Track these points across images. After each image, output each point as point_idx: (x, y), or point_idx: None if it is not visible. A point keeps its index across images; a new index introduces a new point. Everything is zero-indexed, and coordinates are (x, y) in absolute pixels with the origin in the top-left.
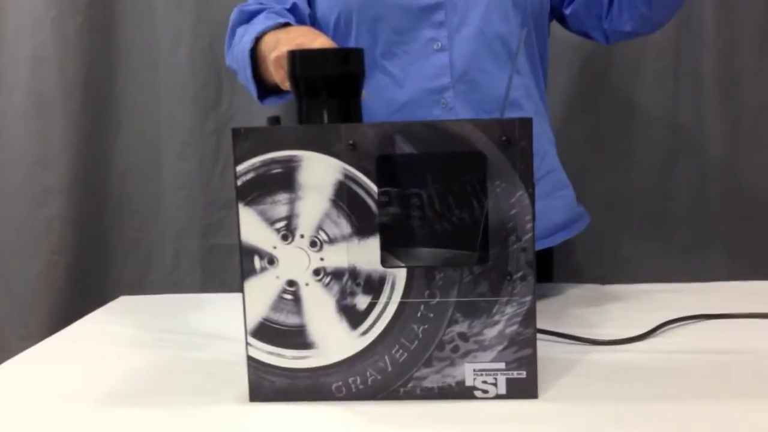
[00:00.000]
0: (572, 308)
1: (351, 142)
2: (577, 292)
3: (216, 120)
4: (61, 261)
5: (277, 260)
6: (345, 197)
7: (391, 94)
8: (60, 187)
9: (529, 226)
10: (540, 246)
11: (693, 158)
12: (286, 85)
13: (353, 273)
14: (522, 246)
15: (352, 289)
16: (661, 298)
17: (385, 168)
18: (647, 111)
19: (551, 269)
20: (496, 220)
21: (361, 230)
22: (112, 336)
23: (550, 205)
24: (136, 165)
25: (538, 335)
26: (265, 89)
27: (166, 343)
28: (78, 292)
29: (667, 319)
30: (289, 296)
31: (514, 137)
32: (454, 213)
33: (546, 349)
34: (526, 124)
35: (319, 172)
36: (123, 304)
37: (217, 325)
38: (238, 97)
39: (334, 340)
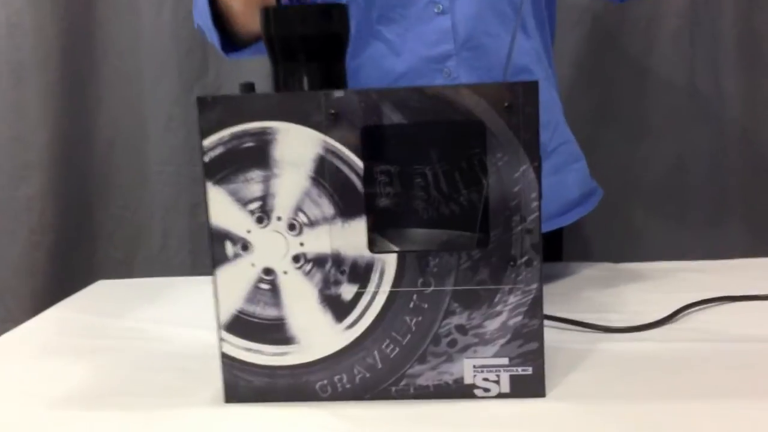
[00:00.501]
0: (583, 290)
1: (332, 111)
2: (588, 271)
3: (203, 90)
4: (42, 241)
5: (252, 246)
6: (326, 174)
7: (388, 63)
8: (39, 164)
9: (534, 204)
10: (552, 226)
11: (710, 124)
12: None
13: (337, 259)
14: (527, 227)
15: (336, 278)
16: (680, 278)
17: (372, 141)
18: (661, 74)
19: (560, 247)
20: (497, 198)
21: (345, 211)
22: (82, 326)
23: (563, 180)
24: (119, 139)
25: (546, 322)
26: (234, 41)
27: (139, 334)
28: (62, 274)
29: (687, 302)
30: (265, 286)
31: (518, 103)
32: (460, 192)
33: (554, 338)
34: (531, 88)
35: (297, 146)
36: (100, 289)
37: (198, 313)
38: (225, 66)
39: (316, 335)
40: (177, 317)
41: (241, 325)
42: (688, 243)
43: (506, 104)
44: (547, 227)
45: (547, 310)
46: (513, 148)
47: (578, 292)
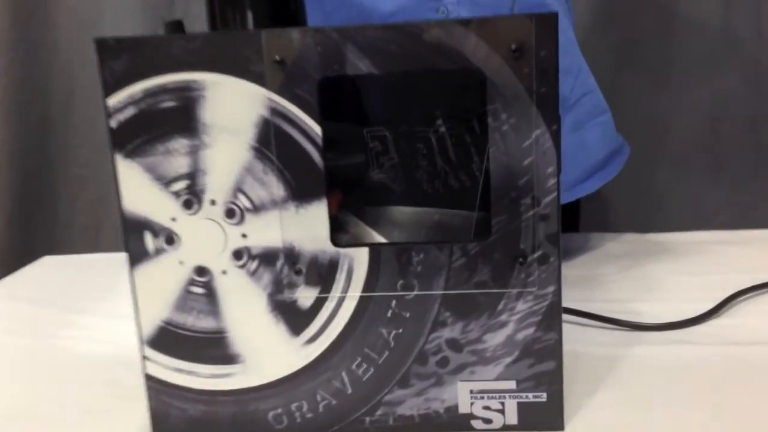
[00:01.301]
0: (604, 269)
1: (278, 57)
2: (609, 245)
3: None
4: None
5: (179, 238)
6: (273, 143)
7: (370, 2)
8: None
9: (552, 182)
10: (570, 197)
11: (746, 70)
12: None
13: (291, 255)
14: (541, 212)
15: (290, 279)
16: (721, 253)
17: (333, 98)
18: (691, 13)
19: (577, 216)
20: (501, 174)
21: (299, 192)
22: (6, 317)
23: (585, 138)
24: (79, 91)
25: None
26: None
27: (70, 330)
28: (23, 241)
29: (735, 288)
30: (199, 289)
31: (530, 44)
32: (473, 160)
33: (572, 337)
34: (549, 22)
35: (233, 106)
36: (42, 267)
37: None
38: (195, 3)
39: (267, 351)
40: (122, 307)
41: (169, 340)
42: (721, 206)
43: (514, 46)
44: (564, 198)
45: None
46: (523, 106)
47: (598, 273)
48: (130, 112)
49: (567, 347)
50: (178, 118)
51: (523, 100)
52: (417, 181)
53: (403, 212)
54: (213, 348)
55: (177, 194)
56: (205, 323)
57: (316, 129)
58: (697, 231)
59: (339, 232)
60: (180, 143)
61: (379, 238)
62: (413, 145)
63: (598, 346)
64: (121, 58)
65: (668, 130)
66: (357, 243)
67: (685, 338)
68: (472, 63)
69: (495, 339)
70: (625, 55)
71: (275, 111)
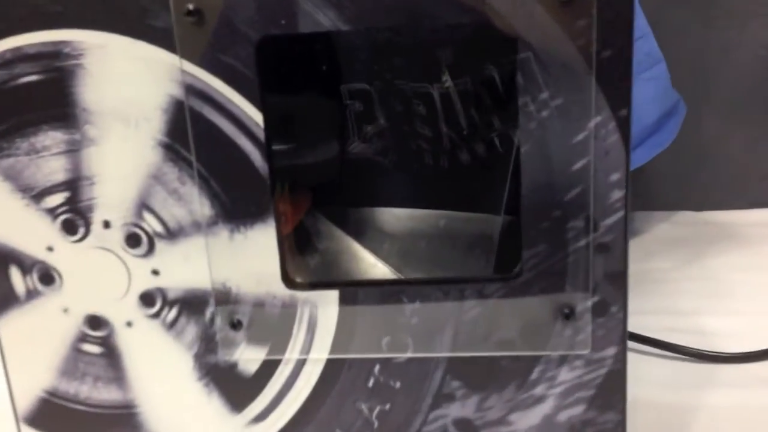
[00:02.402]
0: (658, 263)
1: (192, 7)
2: (659, 228)
3: None
4: None
5: (60, 276)
6: (192, 137)
7: None
8: None
9: (617, 196)
10: None
11: None
12: None
13: (225, 301)
14: (600, 241)
15: (225, 335)
16: None
17: (283, 61)
18: None
19: None
20: (538, 184)
21: (234, 210)
22: None
23: (635, 95)
24: None
25: None
26: None
27: None
28: None
29: None
30: (94, 348)
31: None
32: (492, 126)
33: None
34: None
35: (128, 82)
36: None
37: None
38: None
39: None
40: None
41: (55, 417)
42: None
43: None
44: None
45: None
46: (575, 80)
47: (650, 268)
48: None
49: None
50: (47, 100)
51: (576, 69)
52: (413, 154)
53: (395, 216)
54: (119, 428)
55: (52, 212)
56: (107, 394)
57: (255, 116)
58: (764, 208)
59: (306, 247)
60: (52, 138)
61: (363, 254)
62: (408, 104)
63: (662, 387)
64: None
65: (718, 74)
66: (322, 283)
67: None
68: (493, 13)
69: (526, 420)
70: None
71: (192, 89)
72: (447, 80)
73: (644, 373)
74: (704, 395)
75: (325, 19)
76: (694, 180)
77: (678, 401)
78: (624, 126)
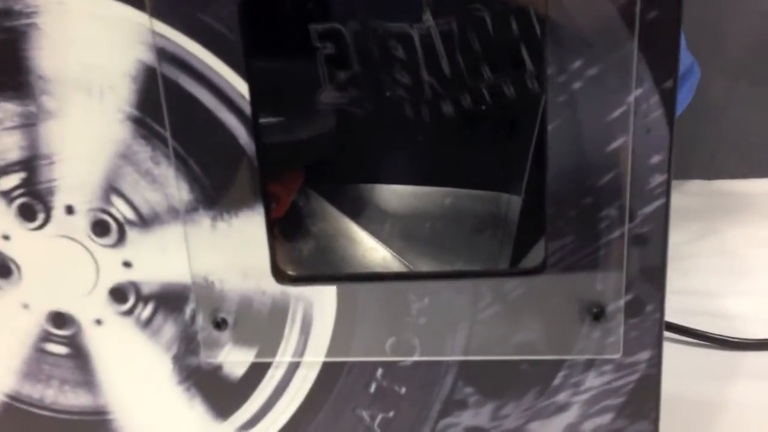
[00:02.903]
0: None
1: None
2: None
3: None
4: None
5: (18, 267)
6: (165, 110)
7: None
8: None
9: (659, 181)
10: None
11: None
12: None
13: (207, 297)
14: (637, 232)
15: (208, 334)
16: None
17: (267, 29)
18: None
19: None
20: (566, 166)
21: (216, 194)
22: None
23: None
24: None
25: None
26: None
27: None
28: None
29: None
30: (60, 348)
31: None
32: (482, 77)
33: None
34: None
35: (91, 45)
36: None
37: None
38: None
39: None
40: None
41: (18, 422)
42: None
43: None
44: None
45: None
46: (613, 45)
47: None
48: None
49: None
50: None
51: (615, 33)
52: (392, 104)
53: (397, 193)
54: None
55: (7, 196)
56: (75, 399)
57: (239, 86)
58: None
59: (299, 231)
60: (3, 110)
61: (362, 237)
62: (384, 46)
63: (683, 378)
64: None
65: (725, 34)
66: (318, 276)
67: None
68: None
69: (547, 430)
70: None
71: (165, 54)
72: (429, 20)
73: (668, 362)
74: (733, 389)
75: None
76: (702, 146)
77: (701, 394)
78: (668, 100)
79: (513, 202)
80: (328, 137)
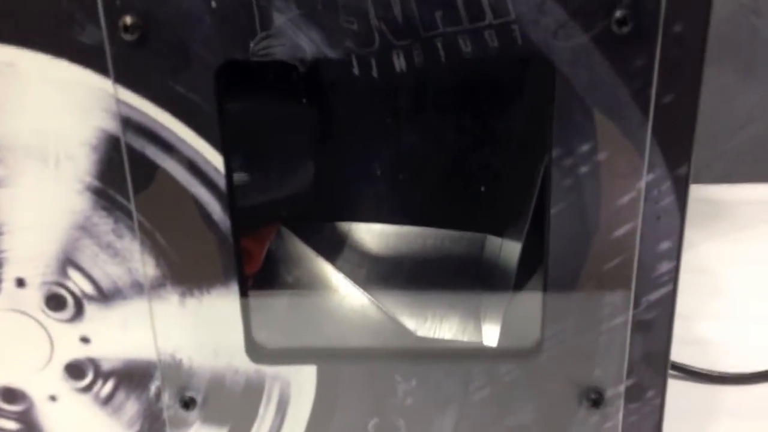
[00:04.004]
0: None
1: (130, 21)
2: None
3: None
4: None
5: None
6: (130, 183)
7: None
8: None
9: (667, 268)
10: None
11: None
12: None
13: (175, 375)
14: (641, 318)
15: (175, 413)
16: None
17: (243, 95)
18: None
19: None
20: (570, 250)
21: (186, 270)
22: None
23: None
24: None
25: None
26: None
27: None
28: None
29: None
30: (10, 424)
31: (651, 8)
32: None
33: None
34: None
35: (48, 111)
36: None
37: None
38: None
39: None
40: None
41: None
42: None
43: (619, 14)
44: None
45: None
46: (626, 131)
47: None
48: None
49: None
50: None
51: (628, 117)
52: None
53: (375, 233)
54: None
55: None
56: None
57: (213, 159)
58: (756, 183)
59: (274, 281)
60: None
61: (338, 281)
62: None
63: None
64: None
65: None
66: (297, 354)
67: None
68: (527, 43)
69: None
70: None
71: (131, 124)
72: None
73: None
74: (710, 427)
75: (307, 45)
76: None
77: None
78: (681, 186)
79: (505, 246)
80: (305, 193)
